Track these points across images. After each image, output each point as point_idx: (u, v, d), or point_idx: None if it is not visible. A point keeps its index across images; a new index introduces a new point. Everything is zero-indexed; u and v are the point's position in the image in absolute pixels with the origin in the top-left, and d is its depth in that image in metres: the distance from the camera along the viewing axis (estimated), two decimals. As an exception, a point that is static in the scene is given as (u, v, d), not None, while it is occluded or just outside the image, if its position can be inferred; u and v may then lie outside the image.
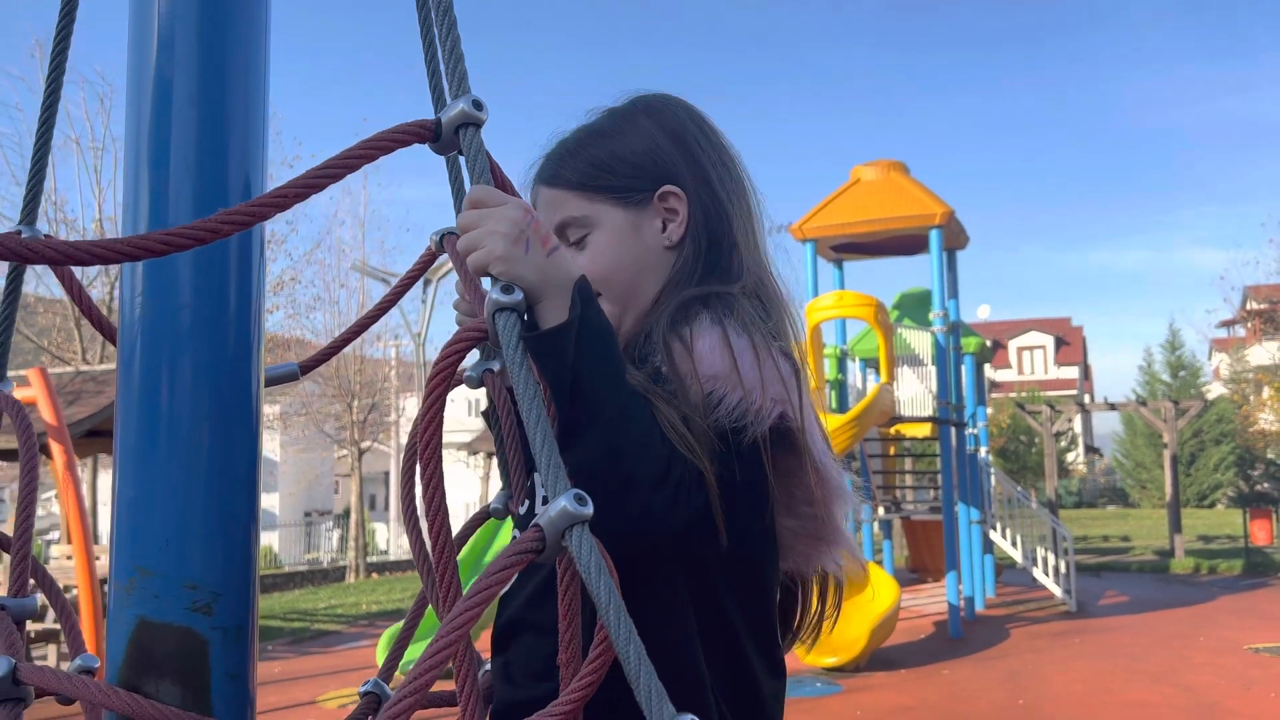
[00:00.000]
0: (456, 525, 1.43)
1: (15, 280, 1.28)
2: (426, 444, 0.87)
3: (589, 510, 0.76)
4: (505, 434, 1.32)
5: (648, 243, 1.23)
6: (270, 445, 31.56)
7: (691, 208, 1.23)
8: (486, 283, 0.95)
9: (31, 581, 1.18)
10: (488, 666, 1.20)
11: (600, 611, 0.72)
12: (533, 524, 0.78)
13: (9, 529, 1.20)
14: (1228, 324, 39.56)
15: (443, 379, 0.87)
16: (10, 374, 1.32)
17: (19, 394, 7.76)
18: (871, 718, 7.21)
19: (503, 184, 1.02)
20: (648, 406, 1.00)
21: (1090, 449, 37.16)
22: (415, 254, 1.49)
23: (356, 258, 21.00)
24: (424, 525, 0.94)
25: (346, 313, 20.42)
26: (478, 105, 0.96)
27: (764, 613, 1.15)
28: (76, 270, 1.38)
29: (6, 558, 1.40)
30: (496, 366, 1.39)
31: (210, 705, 0.97)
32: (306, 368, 1.47)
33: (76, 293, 1.28)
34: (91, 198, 16.47)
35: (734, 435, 1.03)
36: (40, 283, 16.22)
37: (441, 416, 0.88)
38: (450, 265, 1.26)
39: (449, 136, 0.96)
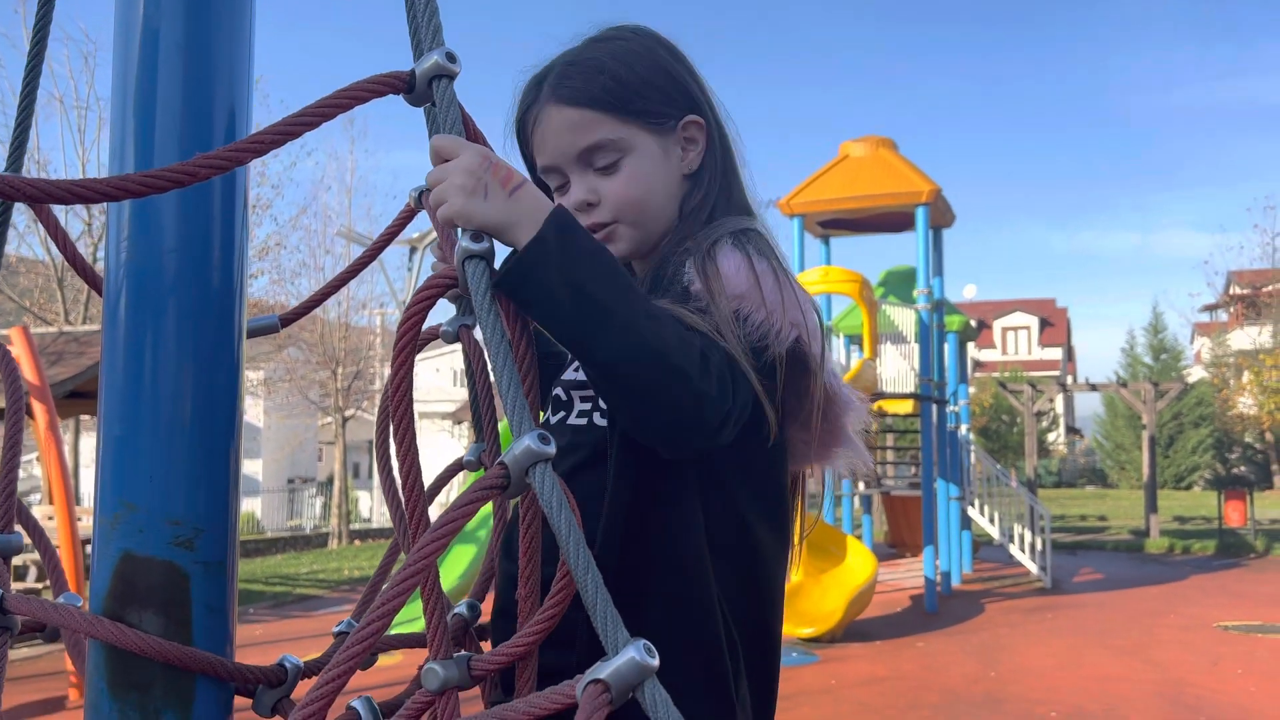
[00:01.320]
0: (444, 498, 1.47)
1: (1, 220, 1.30)
2: (397, 388, 0.90)
3: (551, 449, 0.80)
4: (479, 388, 1.35)
5: (674, 170, 1.27)
6: (254, 411, 31.48)
7: (708, 137, 1.28)
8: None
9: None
10: (457, 610, 1.25)
11: (560, 544, 0.76)
12: (498, 461, 0.82)
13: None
14: (1210, 308, 39.88)
15: (413, 324, 0.90)
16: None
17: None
18: (846, 687, 7.33)
19: (474, 136, 1.04)
20: (670, 316, 1.05)
21: (1071, 430, 37.49)
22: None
23: (342, 224, 20.89)
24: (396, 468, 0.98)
25: (330, 277, 20.33)
26: (450, 58, 0.98)
27: (781, 523, 1.23)
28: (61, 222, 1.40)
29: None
30: (472, 322, 1.43)
31: (191, 636, 1.01)
32: (287, 320, 1.50)
33: (60, 238, 1.30)
34: (75, 157, 16.34)
35: (755, 353, 1.10)
36: (22, 243, 16.11)
37: (412, 362, 0.92)
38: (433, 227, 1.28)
39: (422, 88, 0.98)
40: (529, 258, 0.95)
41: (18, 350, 7.44)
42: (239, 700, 1.09)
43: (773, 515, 1.21)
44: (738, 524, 1.16)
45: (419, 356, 0.95)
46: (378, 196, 26.22)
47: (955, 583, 12.08)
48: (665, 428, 1.03)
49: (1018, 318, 49.81)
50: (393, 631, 1.13)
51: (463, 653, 0.98)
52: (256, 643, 9.11)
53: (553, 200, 1.09)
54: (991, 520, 13.26)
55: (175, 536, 1.01)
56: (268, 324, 1.47)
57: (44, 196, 0.82)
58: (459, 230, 0.93)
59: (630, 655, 0.72)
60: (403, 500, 0.94)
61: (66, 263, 1.33)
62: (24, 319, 15.48)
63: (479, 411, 1.39)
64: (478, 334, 1.43)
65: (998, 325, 49.43)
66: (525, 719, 0.79)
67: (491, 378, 0.90)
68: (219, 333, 1.07)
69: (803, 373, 1.17)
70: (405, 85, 0.97)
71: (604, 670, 0.73)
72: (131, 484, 1.01)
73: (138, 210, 1.05)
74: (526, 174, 1.17)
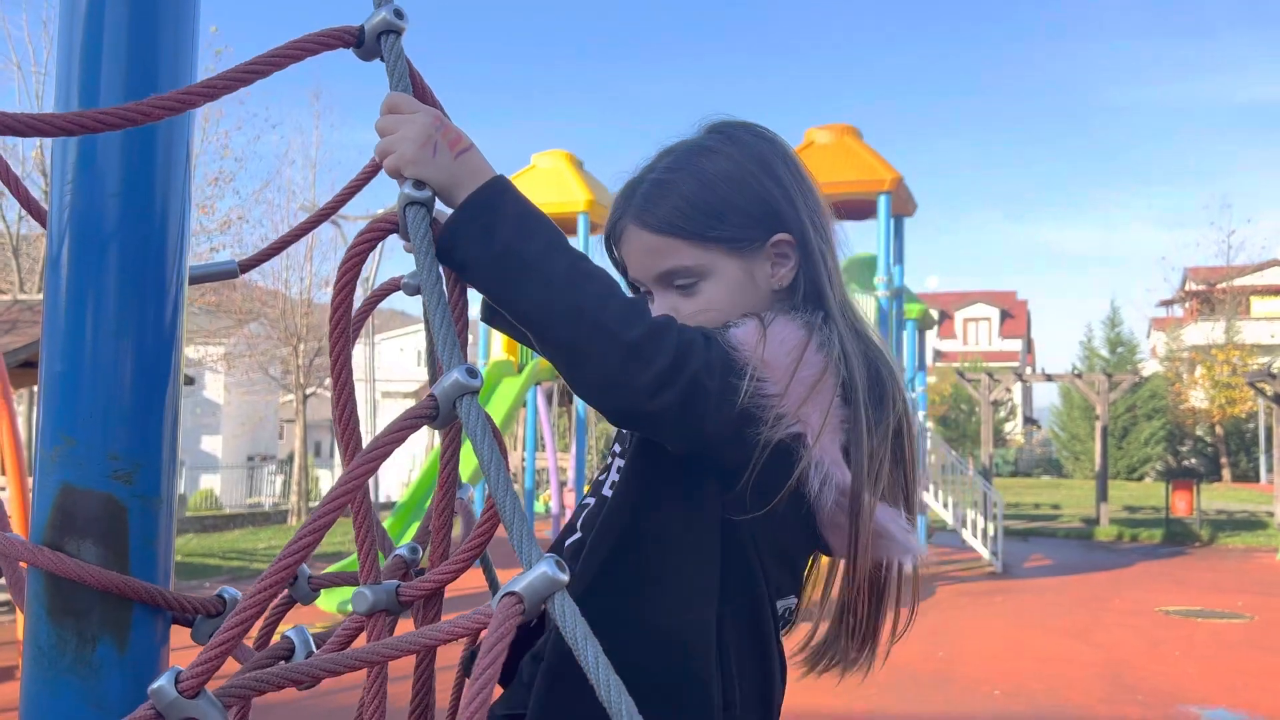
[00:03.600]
0: (406, 476, 1.52)
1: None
2: (336, 324, 0.94)
3: (478, 382, 0.84)
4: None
5: (759, 288, 1.25)
6: (214, 387, 31.13)
7: (799, 253, 1.26)
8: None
9: None
10: (398, 551, 1.29)
11: (483, 468, 0.81)
12: (428, 394, 0.86)
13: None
14: (1166, 303, 40.62)
15: (352, 265, 0.94)
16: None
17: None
18: (793, 663, 7.44)
19: (421, 92, 1.08)
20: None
21: (1029, 420, 38.05)
22: (367, 197, 1.54)
23: (306, 199, 20.68)
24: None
25: (294, 254, 20.14)
26: (398, 14, 1.02)
27: (748, 603, 1.23)
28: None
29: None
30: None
31: (128, 566, 1.04)
32: (246, 266, 1.52)
33: (11, 179, 1.32)
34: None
35: (744, 417, 1.08)
36: (-23, 211, 15.79)
37: (350, 300, 0.96)
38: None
39: (371, 43, 1.02)
40: (460, 218, 0.99)
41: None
42: (181, 639, 1.13)
43: (742, 591, 1.20)
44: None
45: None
46: (342, 171, 25.98)
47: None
48: (591, 384, 1.04)
49: (979, 309, 50.42)
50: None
51: (392, 580, 1.02)
52: (211, 616, 9.05)
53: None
54: (946, 506, 13.47)
55: (114, 470, 1.04)
56: (226, 269, 1.49)
57: (3, 129, 0.85)
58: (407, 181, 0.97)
59: (542, 569, 0.78)
60: (337, 430, 0.98)
61: (19, 203, 1.34)
62: (-23, 288, 15.20)
63: (433, 360, 1.43)
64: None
65: (959, 316, 50.01)
66: (448, 637, 0.83)
67: (424, 317, 0.93)
68: (160, 275, 1.10)
69: (782, 471, 1.11)
70: (355, 39, 1.00)
71: (518, 584, 0.78)
72: (71, 419, 1.04)
73: (83, 154, 1.07)
74: (610, 265, 1.28)
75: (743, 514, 1.11)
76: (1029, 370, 35.46)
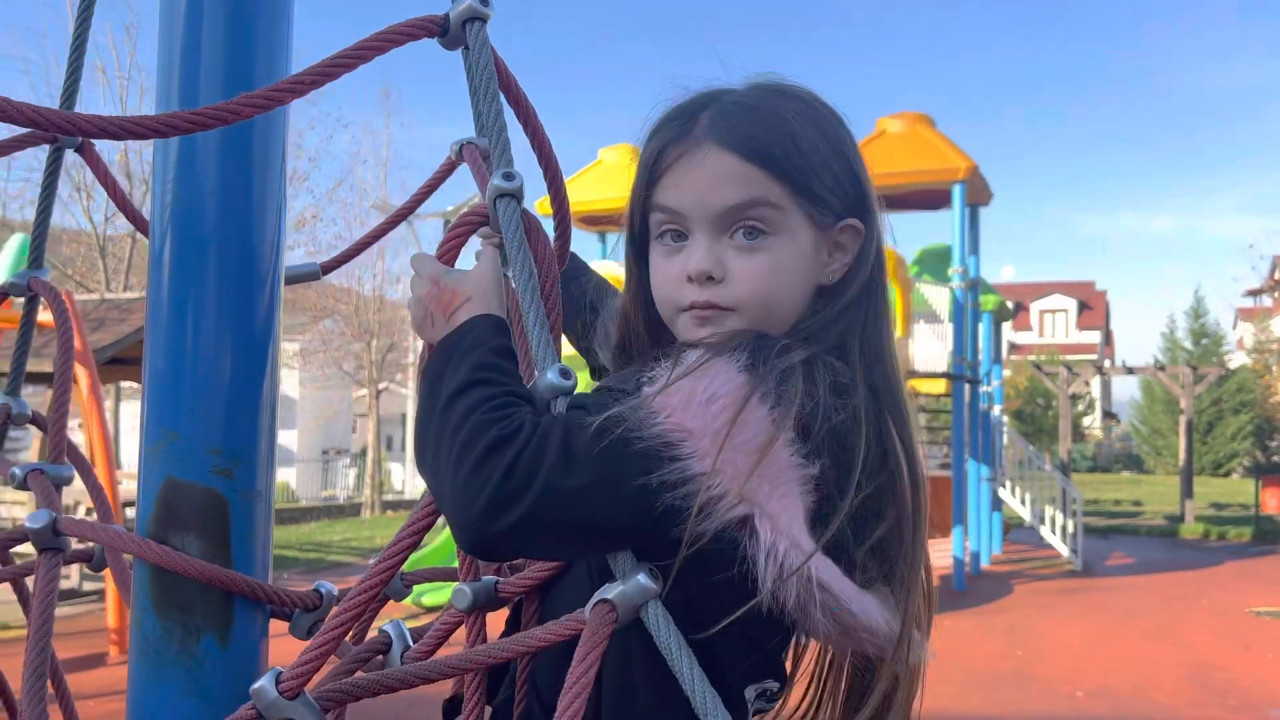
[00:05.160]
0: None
1: (54, 165, 1.35)
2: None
3: (572, 382, 0.84)
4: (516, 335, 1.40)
5: (813, 273, 1.03)
6: (289, 383, 31.89)
7: (861, 253, 1.04)
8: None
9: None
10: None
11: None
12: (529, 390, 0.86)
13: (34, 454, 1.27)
14: (1254, 293, 39.15)
15: (449, 256, 0.94)
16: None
17: (42, 316, 7.92)
18: (871, 662, 7.35)
19: (505, 81, 1.06)
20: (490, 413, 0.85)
21: (1108, 414, 37.09)
22: (439, 196, 1.54)
23: (377, 197, 21.04)
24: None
25: (366, 252, 20.49)
26: (484, 0, 1.01)
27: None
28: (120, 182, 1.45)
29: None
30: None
31: (230, 559, 1.06)
32: (328, 268, 1.54)
33: (109, 182, 1.35)
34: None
35: (653, 514, 0.82)
36: (66, 212, 16.37)
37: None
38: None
39: (456, 31, 1.01)
40: (440, 347, 0.95)
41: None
42: (277, 625, 1.15)
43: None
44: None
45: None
46: (412, 170, 26.34)
47: (984, 564, 12.04)
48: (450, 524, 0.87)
49: (1056, 300, 49.23)
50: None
51: (490, 576, 1.02)
52: (291, 606, 9.26)
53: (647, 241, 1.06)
54: (1023, 502, 13.18)
55: (214, 465, 1.06)
56: (308, 271, 1.51)
57: (99, 132, 0.87)
58: (493, 168, 0.97)
59: (636, 579, 0.77)
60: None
61: (117, 206, 1.37)
62: (67, 286, 15.77)
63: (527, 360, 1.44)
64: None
65: (1035, 307, 48.88)
66: (541, 643, 0.83)
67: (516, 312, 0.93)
68: (258, 274, 1.11)
69: (728, 566, 0.85)
70: (439, 28, 1.00)
71: (610, 591, 0.78)
72: (174, 413, 1.07)
73: (182, 154, 1.09)
74: (629, 207, 1.08)
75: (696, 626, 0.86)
76: (1108, 363, 34.51)
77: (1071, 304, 49.16)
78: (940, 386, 11.74)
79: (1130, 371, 19.73)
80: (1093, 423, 39.84)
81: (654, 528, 0.83)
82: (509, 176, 0.94)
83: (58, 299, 1.31)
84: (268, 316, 1.12)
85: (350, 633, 0.89)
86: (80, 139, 1.36)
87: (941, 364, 11.36)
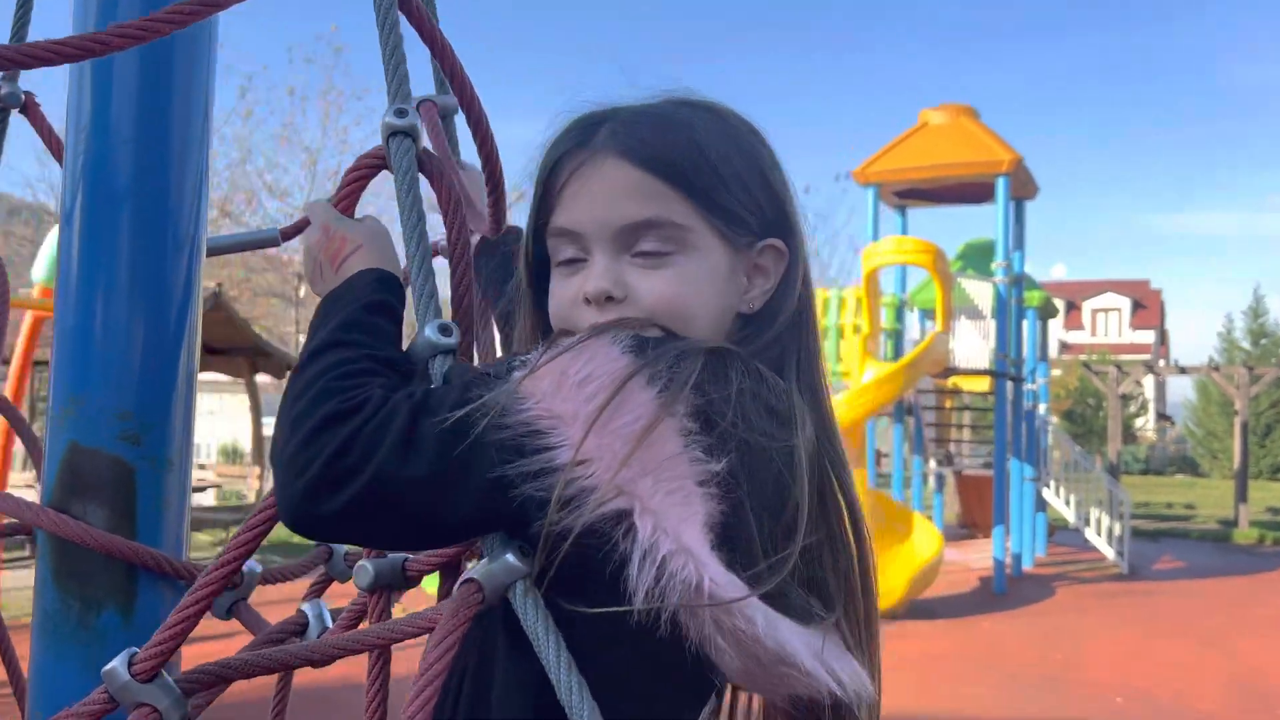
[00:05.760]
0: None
1: None
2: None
3: (453, 340, 0.78)
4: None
5: (728, 297, 0.93)
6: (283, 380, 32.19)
7: (785, 277, 0.95)
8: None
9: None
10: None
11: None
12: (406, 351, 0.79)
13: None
14: (1317, 293, 37.90)
15: (347, 203, 0.88)
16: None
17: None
18: (904, 664, 7.21)
19: (444, 173, 0.93)
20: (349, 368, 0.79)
21: (1162, 416, 36.25)
22: None
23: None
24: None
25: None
26: (400, 113, 0.89)
27: None
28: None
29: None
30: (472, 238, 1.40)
31: (135, 530, 1.00)
32: (287, 234, 1.48)
33: (53, 142, 1.31)
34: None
35: (520, 505, 0.73)
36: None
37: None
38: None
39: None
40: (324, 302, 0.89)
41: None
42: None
43: None
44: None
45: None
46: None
47: (1027, 565, 11.79)
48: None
49: (1108, 299, 48.22)
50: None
51: (400, 553, 0.95)
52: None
53: (543, 269, 0.95)
54: (1068, 504, 12.88)
55: (122, 431, 1.01)
56: (268, 237, 1.45)
57: (13, 63, 0.82)
58: (388, 105, 0.90)
59: (504, 557, 0.71)
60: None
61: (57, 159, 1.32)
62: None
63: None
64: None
65: (1087, 306, 47.93)
66: (402, 635, 0.77)
67: (403, 261, 0.85)
68: (176, 232, 1.06)
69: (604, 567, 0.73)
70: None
71: (476, 570, 0.71)
72: (81, 376, 1.01)
73: (97, 104, 1.04)
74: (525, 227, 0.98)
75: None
76: (1162, 363, 33.75)
77: (1125, 303, 48.14)
78: (985, 384, 11.50)
79: (1183, 371, 19.21)
80: (1146, 424, 38.96)
81: (514, 523, 0.75)
82: (401, 112, 0.87)
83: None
84: (188, 277, 1.07)
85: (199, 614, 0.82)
86: (24, 99, 1.31)
87: (984, 360, 11.13)
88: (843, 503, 0.91)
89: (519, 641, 0.74)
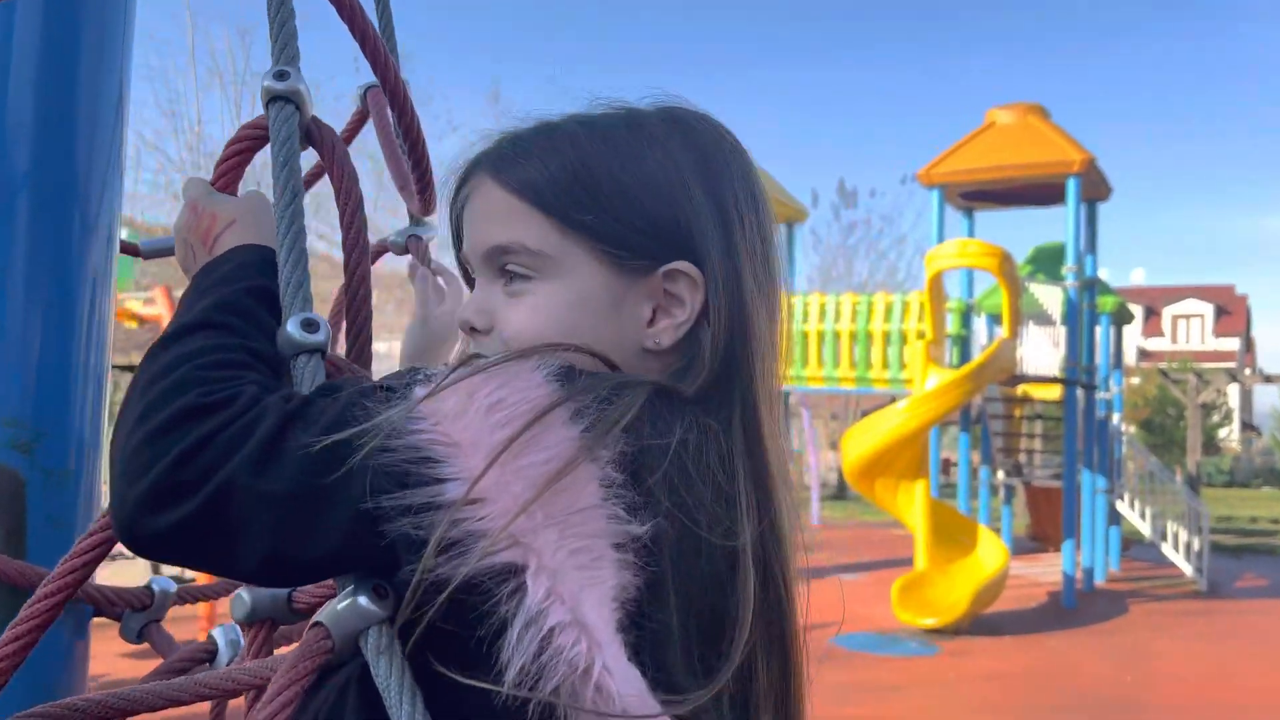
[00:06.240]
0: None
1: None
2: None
3: (319, 337, 0.67)
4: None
5: (621, 330, 0.80)
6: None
7: (707, 305, 0.79)
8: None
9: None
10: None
11: None
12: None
13: None
14: None
15: (227, 179, 0.78)
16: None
17: (147, 310, 8.17)
18: (967, 681, 6.95)
19: (329, 149, 0.83)
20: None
21: (1248, 426, 34.88)
22: None
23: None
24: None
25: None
26: (281, 75, 0.79)
27: None
28: None
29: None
30: (424, 234, 1.30)
31: (24, 549, 0.92)
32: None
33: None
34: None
35: (392, 544, 0.62)
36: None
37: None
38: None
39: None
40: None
41: (160, 309, 7.82)
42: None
43: None
44: None
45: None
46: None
47: (1099, 580, 11.35)
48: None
49: (1190, 305, 46.59)
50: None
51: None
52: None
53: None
54: (1144, 517, 12.38)
55: (12, 439, 0.92)
56: (166, 245, 1.36)
57: None
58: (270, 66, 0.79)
59: (352, 599, 0.59)
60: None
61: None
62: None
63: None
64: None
65: (1167, 312, 46.38)
66: (237, 687, 0.66)
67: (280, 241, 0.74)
68: (80, 224, 0.98)
69: (490, 633, 0.61)
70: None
71: (323, 613, 0.60)
72: (-31, 379, 0.93)
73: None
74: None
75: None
76: (1247, 371, 32.46)
77: (1208, 309, 46.48)
78: (1056, 392, 11.11)
79: (1268, 380, 18.41)
80: (1230, 435, 37.50)
81: (381, 565, 0.63)
82: (281, 75, 0.76)
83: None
84: (96, 273, 0.98)
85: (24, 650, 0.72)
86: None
87: (1054, 368, 10.75)
88: (784, 608, 0.78)
89: (372, 703, 0.62)
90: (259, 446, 0.63)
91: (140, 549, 0.67)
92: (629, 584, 0.63)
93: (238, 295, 0.72)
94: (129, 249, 1.37)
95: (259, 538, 0.63)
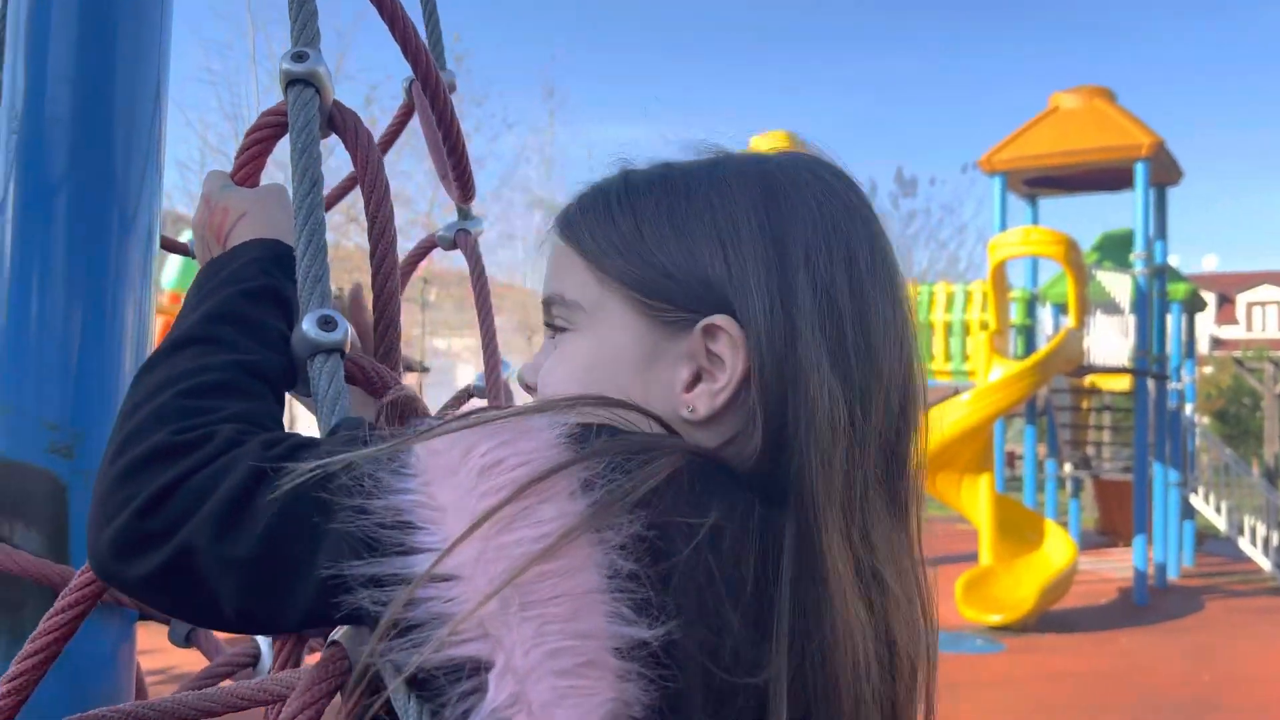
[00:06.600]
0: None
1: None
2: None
3: (338, 335, 0.64)
4: (478, 301, 1.21)
5: (649, 391, 0.69)
6: (465, 377, 33.03)
7: (751, 364, 0.66)
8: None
9: None
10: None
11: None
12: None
13: None
14: None
15: (245, 175, 0.75)
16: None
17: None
18: (1034, 680, 6.79)
19: (353, 138, 0.79)
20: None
21: (1328, 416, 33.61)
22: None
23: (543, 194, 21.44)
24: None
25: (529, 249, 20.90)
26: (299, 57, 0.75)
27: None
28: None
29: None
30: (472, 228, 1.27)
31: (67, 553, 0.90)
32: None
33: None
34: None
35: (348, 616, 0.56)
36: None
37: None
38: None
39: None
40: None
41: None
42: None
43: None
44: None
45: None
46: (576, 168, 26.74)
47: (1172, 576, 11.03)
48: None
49: (1266, 291, 45.04)
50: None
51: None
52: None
53: None
54: (1219, 511, 12.00)
55: (51, 442, 0.91)
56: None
57: None
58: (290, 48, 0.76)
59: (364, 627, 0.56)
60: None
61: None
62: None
63: (484, 325, 1.24)
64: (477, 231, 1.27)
65: (1242, 299, 44.92)
66: (246, 700, 0.62)
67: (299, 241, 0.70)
68: (119, 223, 0.96)
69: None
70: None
71: (341, 633, 0.56)
72: (10, 378, 0.92)
73: (32, 85, 0.95)
74: None
75: None
76: (1328, 359, 31.27)
77: (1285, 295, 44.94)
78: (1125, 383, 10.82)
79: (1352, 368, 17.73)
80: (1310, 425, 36.23)
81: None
82: (300, 57, 0.72)
83: None
84: (136, 272, 0.96)
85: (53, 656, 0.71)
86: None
87: (1123, 358, 10.45)
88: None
89: None
90: (224, 505, 0.57)
91: (120, 589, 0.63)
92: (634, 700, 0.52)
93: (233, 301, 0.68)
94: (180, 249, 1.37)
95: (228, 599, 0.58)
